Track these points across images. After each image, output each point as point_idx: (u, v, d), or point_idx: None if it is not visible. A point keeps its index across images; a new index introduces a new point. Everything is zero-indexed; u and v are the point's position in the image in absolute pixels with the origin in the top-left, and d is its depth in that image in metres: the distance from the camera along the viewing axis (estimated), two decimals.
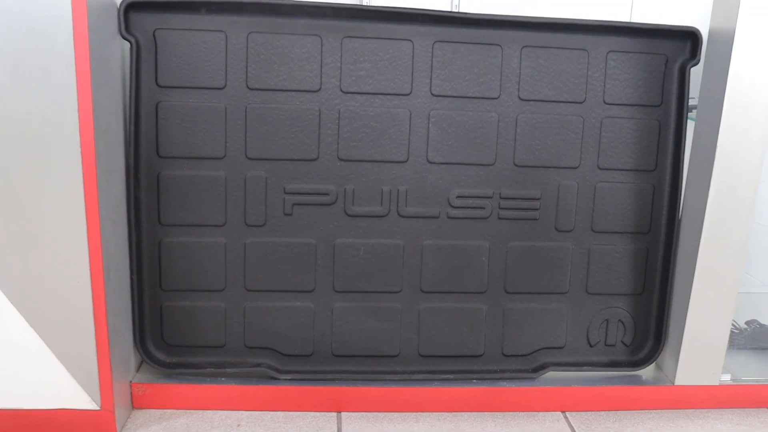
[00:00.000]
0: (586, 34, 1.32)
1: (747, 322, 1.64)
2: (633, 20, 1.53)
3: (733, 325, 1.54)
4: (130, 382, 1.29)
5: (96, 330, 1.17)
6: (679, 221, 1.38)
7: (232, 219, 1.30)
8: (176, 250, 1.29)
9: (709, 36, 1.31)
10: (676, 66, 1.34)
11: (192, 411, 1.29)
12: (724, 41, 1.26)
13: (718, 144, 1.29)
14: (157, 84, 1.23)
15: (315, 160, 1.29)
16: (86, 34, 1.06)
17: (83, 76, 1.07)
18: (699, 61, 1.33)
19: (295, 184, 1.30)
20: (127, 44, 1.21)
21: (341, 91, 1.28)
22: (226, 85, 1.25)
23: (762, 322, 1.63)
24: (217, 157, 1.27)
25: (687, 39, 1.33)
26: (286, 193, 1.30)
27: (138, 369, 1.34)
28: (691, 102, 1.38)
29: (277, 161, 1.29)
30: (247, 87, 1.25)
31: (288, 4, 1.24)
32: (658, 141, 1.36)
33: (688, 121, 1.36)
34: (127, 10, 1.19)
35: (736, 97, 1.26)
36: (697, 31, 1.32)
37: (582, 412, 1.36)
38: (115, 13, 1.18)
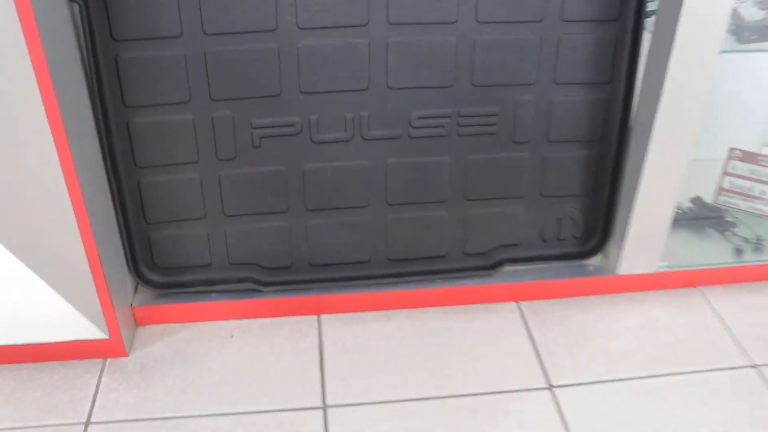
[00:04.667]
0: None
1: (692, 200, 1.77)
2: None
3: (677, 207, 1.68)
4: (131, 305, 1.44)
5: (91, 269, 1.29)
6: (630, 129, 1.45)
7: (204, 156, 1.36)
8: (155, 188, 1.37)
9: None
10: None
11: (189, 324, 1.46)
12: None
13: (672, 54, 1.31)
14: (112, 38, 1.22)
15: (278, 95, 1.33)
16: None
17: (33, 42, 1.07)
18: None
19: (261, 119, 1.34)
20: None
21: (298, 27, 1.28)
22: (182, 33, 1.24)
23: (705, 199, 1.77)
24: (182, 101, 1.30)
25: None
26: (253, 128, 1.35)
27: (135, 292, 1.49)
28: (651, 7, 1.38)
29: (242, 100, 1.32)
30: (204, 33, 1.25)
31: None
32: (614, 54, 1.39)
33: (645, 33, 1.37)
34: None
35: (689, 17, 1.27)
36: None
37: (534, 302, 1.54)
38: None
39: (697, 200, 1.77)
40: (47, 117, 1.14)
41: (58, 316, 1.35)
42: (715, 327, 1.50)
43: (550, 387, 1.36)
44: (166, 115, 1.31)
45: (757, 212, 1.74)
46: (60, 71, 1.14)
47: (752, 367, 1.41)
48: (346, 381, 1.36)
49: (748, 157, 1.74)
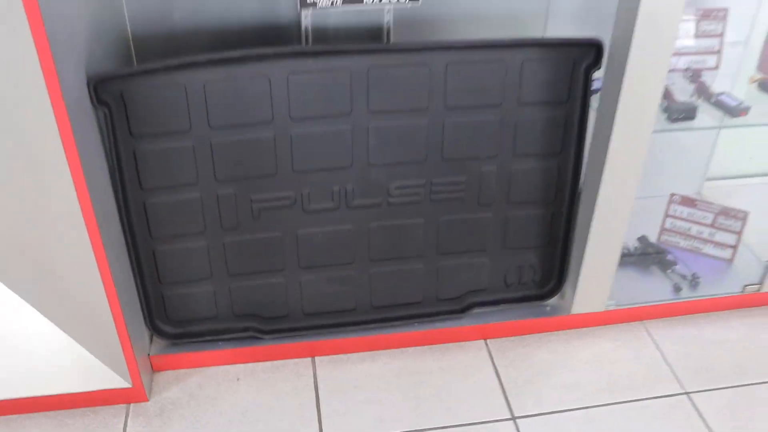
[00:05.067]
0: (503, 49, 1.49)
1: (639, 239, 2.00)
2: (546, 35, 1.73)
3: (623, 247, 1.90)
4: (149, 354, 1.65)
5: (117, 327, 1.50)
6: (580, 192, 1.67)
7: (210, 227, 1.56)
8: (168, 255, 1.58)
9: (610, 45, 1.49)
10: (581, 69, 1.53)
11: (200, 369, 1.67)
12: (621, 52, 1.45)
13: (614, 128, 1.53)
14: (131, 134, 1.42)
15: (274, 174, 1.53)
16: (64, 107, 1.24)
17: (69, 143, 1.27)
18: (601, 66, 1.53)
19: (260, 194, 1.55)
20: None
21: (290, 118, 1.48)
22: (191, 127, 1.44)
23: (651, 238, 2.00)
24: (191, 183, 1.50)
25: (592, 47, 1.51)
26: (252, 202, 1.55)
27: (151, 342, 1.69)
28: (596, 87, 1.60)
29: (243, 179, 1.52)
30: (209, 126, 1.45)
31: (237, 57, 1.39)
32: (564, 130, 1.60)
33: (591, 111, 1.59)
34: (96, 85, 1.34)
35: (629, 97, 1.49)
36: (601, 40, 1.50)
37: (499, 339, 1.77)
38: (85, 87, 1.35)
39: (643, 239, 2.00)
40: (79, 200, 1.33)
41: (88, 369, 1.55)
42: (656, 358, 1.74)
43: (513, 418, 1.59)
44: (177, 195, 1.51)
45: (695, 251, 1.98)
46: (89, 163, 1.34)
47: (685, 394, 1.65)
48: (340, 417, 1.58)
49: (686, 201, 1.97)
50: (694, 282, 1.89)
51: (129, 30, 1.67)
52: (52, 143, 1.26)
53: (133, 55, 1.70)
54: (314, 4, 1.38)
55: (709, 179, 2.29)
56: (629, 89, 1.48)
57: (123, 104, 1.39)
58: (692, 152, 2.20)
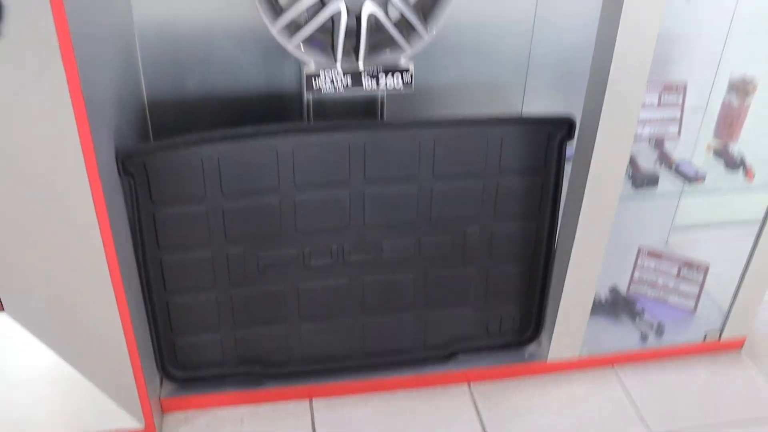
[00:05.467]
0: (485, 126, 1.67)
1: (610, 289, 2.17)
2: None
3: (596, 297, 2.07)
4: (159, 397, 1.79)
5: (134, 373, 1.65)
6: (555, 250, 1.84)
7: (219, 281, 1.72)
8: (180, 307, 1.73)
9: (581, 119, 1.67)
10: (556, 141, 1.71)
11: (206, 410, 1.82)
12: (591, 126, 1.63)
13: (584, 198, 1.71)
14: (151, 200, 1.58)
15: (279, 234, 1.69)
16: (98, 176, 1.40)
17: (100, 206, 1.43)
18: (574, 138, 1.70)
19: (265, 252, 1.70)
20: None
21: (295, 186, 1.64)
22: (205, 194, 1.60)
23: (621, 287, 2.17)
24: (203, 244, 1.66)
25: (565, 123, 1.69)
26: (259, 258, 1.71)
27: (161, 385, 1.83)
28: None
29: (251, 239, 1.68)
30: (222, 194, 1.61)
31: (248, 133, 1.56)
32: (541, 195, 1.78)
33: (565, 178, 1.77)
34: (123, 158, 1.50)
35: (598, 166, 1.66)
36: (573, 117, 1.68)
37: (482, 383, 1.93)
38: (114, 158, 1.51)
39: (614, 290, 2.17)
40: (106, 257, 1.49)
41: (103, 409, 1.69)
42: (624, 402, 1.90)
43: None
44: (191, 253, 1.67)
45: (661, 300, 2.16)
46: (115, 224, 1.50)
47: None
48: None
49: (653, 254, 2.15)
50: (659, 330, 2.06)
51: (145, 97, 1.84)
52: (85, 207, 1.42)
53: (148, 118, 1.86)
54: (319, 90, 1.55)
55: (675, 230, 2.48)
56: (598, 159, 1.65)
57: (145, 174, 1.55)
58: (660, 207, 2.39)
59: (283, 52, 1.56)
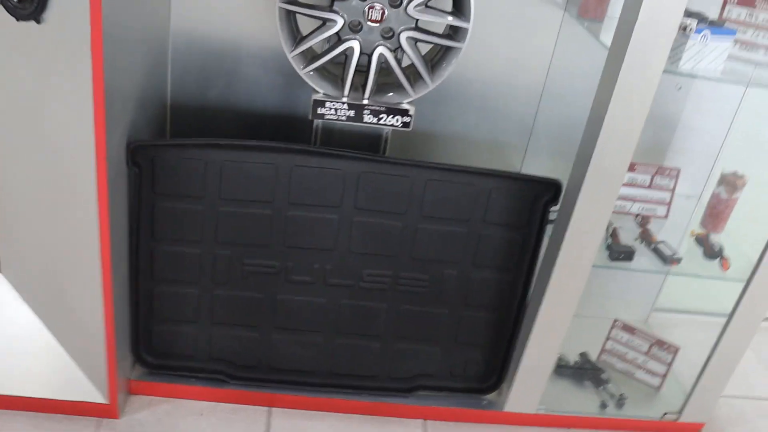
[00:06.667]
0: (477, 176, 1.76)
1: (580, 354, 2.22)
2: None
3: (562, 359, 2.13)
4: (129, 379, 1.88)
5: (107, 349, 1.74)
6: (526, 306, 1.91)
7: (203, 279, 1.81)
8: (164, 296, 1.83)
9: (566, 187, 1.76)
10: (541, 203, 1.79)
11: (170, 399, 1.90)
12: (573, 194, 1.71)
13: (557, 261, 1.78)
14: (153, 192, 1.69)
15: (266, 246, 1.78)
16: (104, 162, 1.51)
17: (102, 190, 1.54)
18: (559, 203, 1.78)
19: (251, 260, 1.80)
20: None
21: (288, 202, 1.74)
22: (204, 195, 1.71)
23: (591, 354, 2.22)
24: (194, 240, 1.76)
25: (552, 186, 1.78)
26: (244, 265, 1.80)
27: (132, 367, 1.92)
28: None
29: (239, 245, 1.78)
30: (219, 197, 1.72)
31: (253, 145, 1.67)
32: (520, 249, 1.85)
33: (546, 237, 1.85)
34: (134, 149, 1.62)
35: (574, 234, 1.74)
36: (560, 182, 1.76)
37: (437, 422, 1.98)
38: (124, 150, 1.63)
39: (584, 355, 2.22)
40: (100, 236, 1.60)
41: (72, 379, 1.78)
42: None
43: None
44: (181, 247, 1.77)
45: (628, 374, 2.20)
46: (114, 208, 1.61)
47: None
48: None
49: (627, 328, 2.20)
50: (620, 402, 2.10)
51: (168, 99, 1.96)
52: (88, 186, 1.54)
53: (168, 119, 1.99)
54: (322, 116, 1.66)
55: (656, 310, 2.53)
56: (575, 226, 1.73)
57: (152, 167, 1.67)
58: (644, 284, 2.45)
59: (300, 79, 1.68)
